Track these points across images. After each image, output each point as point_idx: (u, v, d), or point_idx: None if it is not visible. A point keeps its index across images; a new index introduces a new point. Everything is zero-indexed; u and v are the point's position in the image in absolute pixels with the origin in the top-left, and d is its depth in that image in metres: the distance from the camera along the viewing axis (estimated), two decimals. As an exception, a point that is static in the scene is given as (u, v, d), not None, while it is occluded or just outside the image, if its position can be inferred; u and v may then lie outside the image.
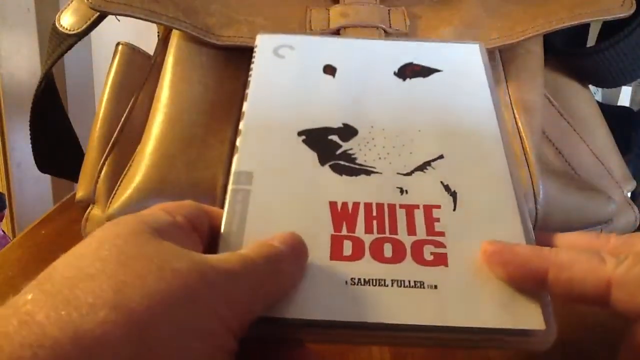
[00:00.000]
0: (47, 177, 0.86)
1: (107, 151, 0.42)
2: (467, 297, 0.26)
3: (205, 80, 0.41)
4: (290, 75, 0.35)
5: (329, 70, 0.36)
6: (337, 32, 0.43)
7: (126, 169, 0.40)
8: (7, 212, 0.88)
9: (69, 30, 0.45)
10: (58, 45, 0.45)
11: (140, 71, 0.45)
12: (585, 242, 0.28)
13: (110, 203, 0.39)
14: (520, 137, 0.41)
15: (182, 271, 0.21)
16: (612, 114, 0.48)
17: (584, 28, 0.52)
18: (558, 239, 0.29)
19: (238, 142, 0.31)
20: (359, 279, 0.26)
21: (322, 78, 0.35)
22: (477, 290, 0.26)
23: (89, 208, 0.41)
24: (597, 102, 0.49)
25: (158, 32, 0.49)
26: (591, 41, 0.52)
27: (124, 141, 0.42)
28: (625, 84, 0.58)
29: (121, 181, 0.40)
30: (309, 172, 0.30)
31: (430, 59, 0.37)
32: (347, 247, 0.27)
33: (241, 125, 0.32)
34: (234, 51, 0.42)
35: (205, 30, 0.41)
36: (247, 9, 0.43)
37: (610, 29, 0.47)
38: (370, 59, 0.37)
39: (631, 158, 0.50)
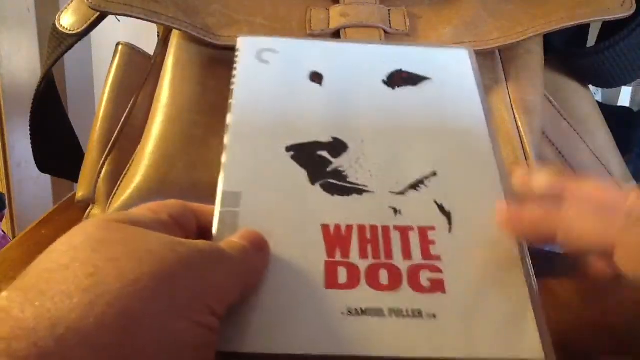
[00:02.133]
0: (47, 177, 0.86)
1: (107, 151, 0.42)
2: (466, 327, 0.25)
3: (205, 80, 0.41)
4: (276, 83, 0.34)
5: (316, 77, 0.34)
6: (337, 32, 0.43)
7: (126, 169, 0.40)
8: (7, 212, 0.88)
9: (69, 30, 0.45)
10: (58, 45, 0.45)
11: (140, 71, 0.45)
12: (603, 195, 0.27)
13: (110, 203, 0.39)
14: (520, 137, 0.41)
15: (155, 251, 0.21)
16: (612, 114, 0.48)
17: (584, 28, 0.52)
18: (577, 187, 0.28)
19: (223, 158, 0.30)
20: (356, 309, 0.25)
21: (309, 86, 0.34)
22: (476, 319, 0.25)
23: (89, 208, 0.41)
24: (597, 102, 0.49)
25: (158, 32, 0.49)
26: (591, 41, 0.52)
27: (124, 141, 0.42)
28: (625, 84, 0.58)
29: (121, 181, 0.40)
30: (299, 192, 0.29)
31: (418, 66, 0.35)
32: (342, 275, 0.26)
33: (226, 140, 0.31)
34: (234, 51, 0.42)
35: (205, 30, 0.41)
36: (247, 9, 0.43)
37: (610, 29, 0.47)
38: (358, 65, 0.35)
39: (631, 158, 0.50)
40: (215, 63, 0.42)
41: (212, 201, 0.39)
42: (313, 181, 0.30)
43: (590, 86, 0.49)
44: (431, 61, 0.36)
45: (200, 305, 0.21)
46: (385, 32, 0.43)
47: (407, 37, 0.43)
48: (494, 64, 0.44)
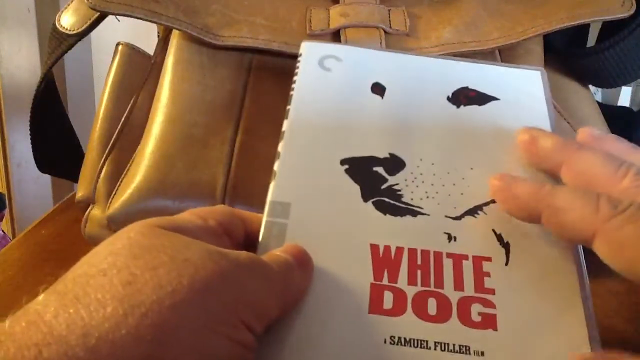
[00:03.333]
0: (47, 177, 0.86)
1: (107, 151, 0.42)
2: None
3: (205, 80, 0.41)
4: (336, 92, 0.32)
5: (378, 89, 0.33)
6: (337, 33, 0.43)
7: (126, 169, 0.40)
8: (7, 212, 0.88)
9: (69, 30, 0.45)
10: (58, 45, 0.45)
11: (140, 71, 0.45)
12: (600, 172, 0.26)
13: (110, 203, 0.39)
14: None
15: (193, 260, 0.21)
16: (612, 114, 0.48)
17: (584, 28, 0.52)
18: (577, 158, 0.27)
19: (276, 166, 0.29)
20: (399, 338, 0.24)
21: (370, 98, 0.32)
22: None
23: (89, 208, 0.41)
24: (597, 102, 0.49)
25: (158, 32, 0.49)
26: (591, 41, 0.52)
27: (124, 141, 0.42)
28: (625, 84, 0.57)
29: (121, 181, 0.40)
30: (350, 208, 0.28)
31: (486, 84, 0.33)
32: (388, 300, 0.25)
33: (280, 147, 0.30)
34: (234, 51, 0.42)
35: (205, 30, 0.41)
36: (247, 9, 0.43)
37: (610, 29, 0.47)
38: (422, 78, 0.34)
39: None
40: (216, 63, 0.42)
41: (211, 201, 0.39)
42: (366, 198, 0.28)
43: (590, 86, 0.49)
44: (501, 80, 0.34)
45: (236, 320, 0.21)
46: (385, 32, 0.43)
47: (407, 37, 0.43)
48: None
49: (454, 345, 0.24)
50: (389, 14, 0.44)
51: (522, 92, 0.33)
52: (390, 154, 0.30)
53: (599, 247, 0.23)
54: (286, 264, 0.24)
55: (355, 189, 0.29)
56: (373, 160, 0.30)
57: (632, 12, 0.43)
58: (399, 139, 0.31)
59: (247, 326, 0.21)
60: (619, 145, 0.29)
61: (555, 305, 0.25)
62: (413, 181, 0.29)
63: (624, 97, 0.75)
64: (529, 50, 0.45)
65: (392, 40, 0.43)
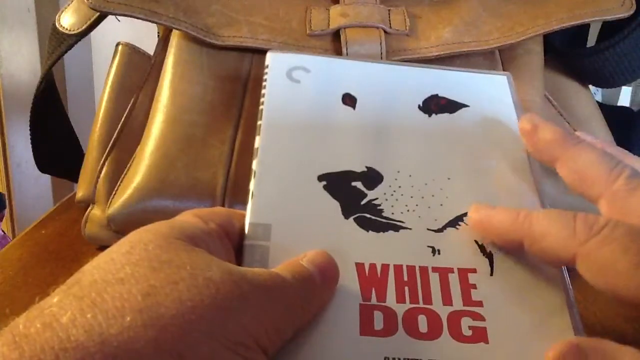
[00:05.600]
0: (47, 177, 0.86)
1: (107, 151, 0.42)
2: None
3: (205, 80, 0.41)
4: (307, 104, 0.32)
5: (349, 100, 0.32)
6: (337, 33, 0.43)
7: (126, 169, 0.40)
8: (7, 212, 0.88)
9: (69, 30, 0.45)
10: (58, 45, 0.45)
11: (140, 71, 0.45)
12: (592, 174, 0.26)
13: (111, 203, 0.39)
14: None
15: (215, 280, 0.21)
16: (612, 114, 0.48)
17: (584, 28, 0.52)
18: (572, 155, 0.28)
19: (252, 185, 0.28)
20: (394, 359, 0.24)
21: (342, 109, 0.32)
22: None
23: (89, 208, 0.41)
24: (597, 102, 0.49)
25: (158, 32, 0.49)
26: (591, 41, 0.52)
27: (124, 141, 0.42)
28: (625, 84, 0.57)
29: (121, 181, 0.40)
30: (332, 226, 0.27)
31: (456, 91, 0.34)
32: (379, 320, 0.24)
33: (254, 165, 0.29)
34: (234, 51, 0.42)
35: (205, 30, 0.41)
36: (247, 9, 0.43)
37: (610, 29, 0.47)
38: (392, 87, 0.33)
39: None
40: (215, 63, 0.42)
41: (211, 201, 0.39)
42: (347, 215, 0.28)
43: (590, 86, 0.49)
44: (469, 87, 0.34)
45: (253, 342, 0.21)
46: (385, 32, 0.43)
47: (407, 37, 0.43)
48: (494, 64, 0.44)
49: None
50: (389, 14, 0.44)
51: (491, 98, 0.34)
52: (367, 167, 0.30)
53: (581, 270, 0.24)
54: (309, 279, 0.24)
55: (335, 205, 0.28)
56: (351, 175, 0.29)
57: (632, 12, 0.43)
58: (375, 151, 0.30)
59: (262, 348, 0.21)
60: (612, 149, 0.29)
61: (542, 312, 0.25)
62: (392, 195, 0.29)
63: (624, 97, 0.75)
64: (529, 50, 0.45)
65: (392, 40, 0.43)
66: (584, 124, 0.46)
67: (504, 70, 0.44)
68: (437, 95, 0.33)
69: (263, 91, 0.32)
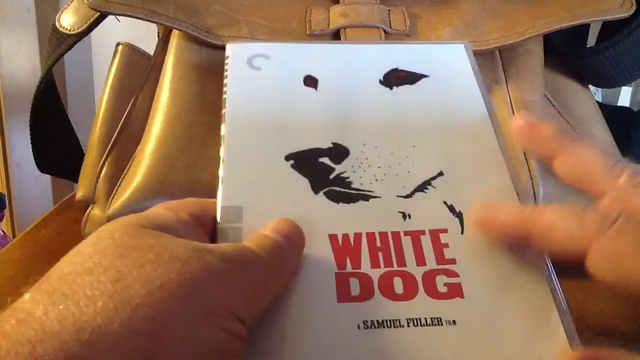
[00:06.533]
0: (47, 177, 0.87)
1: (107, 151, 0.42)
2: (488, 332, 0.24)
3: (205, 80, 0.41)
4: (269, 89, 0.32)
5: (310, 81, 0.33)
6: (337, 32, 0.43)
7: (126, 169, 0.40)
8: (7, 212, 0.88)
9: (69, 30, 0.45)
10: (58, 45, 0.45)
11: (140, 71, 0.45)
12: (592, 170, 0.26)
13: (110, 203, 0.39)
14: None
15: (180, 257, 0.21)
16: (612, 114, 0.48)
17: (584, 28, 0.52)
18: (572, 152, 0.27)
19: (221, 171, 0.29)
20: (372, 322, 0.24)
21: (304, 91, 0.32)
22: (497, 324, 0.24)
23: (89, 208, 0.41)
24: (597, 102, 0.49)
25: (158, 32, 0.49)
26: (591, 41, 0.52)
27: (124, 141, 0.42)
28: (625, 84, 0.58)
29: (121, 181, 0.40)
30: (303, 202, 0.28)
31: (415, 63, 0.34)
32: (355, 286, 0.25)
33: (222, 152, 0.29)
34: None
35: (205, 30, 0.41)
36: (247, 9, 0.43)
37: (610, 29, 0.47)
38: (352, 65, 0.34)
39: (631, 158, 0.50)
40: (216, 63, 0.42)
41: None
42: (316, 190, 0.29)
43: (590, 86, 0.49)
44: (427, 58, 0.35)
45: (226, 312, 0.21)
46: (385, 32, 0.43)
47: (407, 37, 0.43)
48: (493, 64, 0.44)
49: (425, 319, 0.24)
50: (389, 14, 0.44)
51: (450, 66, 0.34)
52: (333, 143, 0.30)
53: (592, 264, 0.23)
54: (275, 247, 0.24)
55: (305, 182, 0.29)
56: (317, 152, 0.30)
57: (632, 12, 0.43)
58: (339, 127, 0.31)
59: (238, 317, 0.21)
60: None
61: (514, 264, 0.26)
62: (360, 166, 0.30)
63: (624, 97, 0.75)
64: (529, 50, 0.45)
65: (393, 40, 0.43)
66: (584, 124, 0.46)
67: (504, 70, 0.44)
68: (396, 68, 0.34)
69: (225, 81, 0.33)
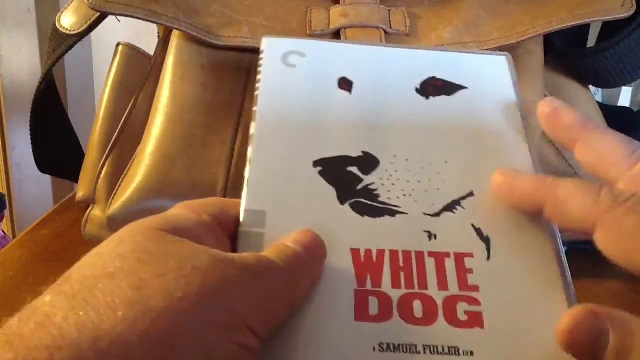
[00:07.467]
0: (47, 177, 0.86)
1: (107, 151, 0.42)
2: None
3: (205, 80, 0.41)
4: (302, 89, 0.31)
5: (345, 84, 0.32)
6: (337, 32, 0.43)
7: (126, 169, 0.40)
8: (7, 212, 0.88)
9: (69, 30, 0.45)
10: (58, 45, 0.45)
11: (140, 71, 0.45)
12: (611, 155, 0.27)
13: (110, 203, 0.39)
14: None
15: (201, 268, 0.21)
16: (612, 114, 0.48)
17: (584, 28, 0.52)
18: (591, 138, 0.28)
19: (247, 172, 0.28)
20: (388, 345, 0.23)
21: (338, 93, 0.31)
22: (516, 356, 0.23)
23: (89, 208, 0.41)
24: (597, 102, 0.49)
25: (158, 32, 0.49)
26: (591, 41, 0.52)
27: (124, 141, 0.42)
28: (625, 84, 0.58)
29: (121, 181, 0.40)
30: (327, 211, 0.27)
31: (453, 73, 0.33)
32: (373, 305, 0.24)
33: (250, 152, 0.29)
34: (234, 51, 0.42)
35: (205, 30, 0.41)
36: (247, 9, 0.43)
37: (610, 29, 0.47)
38: (389, 70, 0.33)
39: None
40: (215, 63, 0.42)
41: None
42: (342, 200, 0.28)
43: (590, 86, 0.49)
44: (467, 68, 0.33)
45: (242, 325, 0.21)
46: (385, 32, 0.43)
47: (407, 37, 0.43)
48: (494, 64, 0.44)
49: (442, 347, 0.24)
50: (389, 14, 0.44)
51: (489, 79, 0.33)
52: (363, 151, 0.29)
53: (600, 238, 0.23)
54: (295, 257, 0.24)
55: (331, 191, 0.28)
56: (346, 160, 0.29)
57: (632, 12, 0.43)
58: (371, 135, 0.30)
59: (251, 330, 0.21)
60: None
61: (539, 298, 0.25)
62: (388, 179, 0.28)
63: (624, 97, 0.75)
64: (529, 50, 0.45)
65: (392, 41, 0.43)
66: (584, 124, 0.46)
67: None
68: (434, 77, 0.32)
69: (258, 77, 0.31)
